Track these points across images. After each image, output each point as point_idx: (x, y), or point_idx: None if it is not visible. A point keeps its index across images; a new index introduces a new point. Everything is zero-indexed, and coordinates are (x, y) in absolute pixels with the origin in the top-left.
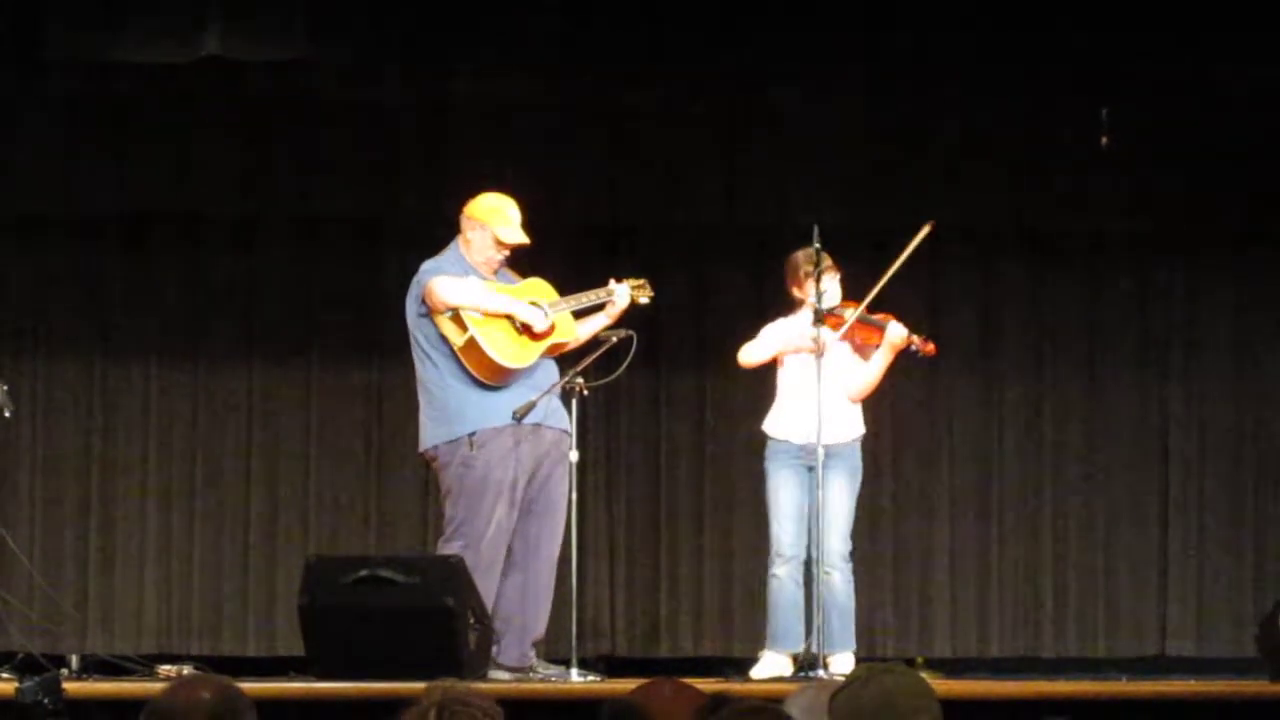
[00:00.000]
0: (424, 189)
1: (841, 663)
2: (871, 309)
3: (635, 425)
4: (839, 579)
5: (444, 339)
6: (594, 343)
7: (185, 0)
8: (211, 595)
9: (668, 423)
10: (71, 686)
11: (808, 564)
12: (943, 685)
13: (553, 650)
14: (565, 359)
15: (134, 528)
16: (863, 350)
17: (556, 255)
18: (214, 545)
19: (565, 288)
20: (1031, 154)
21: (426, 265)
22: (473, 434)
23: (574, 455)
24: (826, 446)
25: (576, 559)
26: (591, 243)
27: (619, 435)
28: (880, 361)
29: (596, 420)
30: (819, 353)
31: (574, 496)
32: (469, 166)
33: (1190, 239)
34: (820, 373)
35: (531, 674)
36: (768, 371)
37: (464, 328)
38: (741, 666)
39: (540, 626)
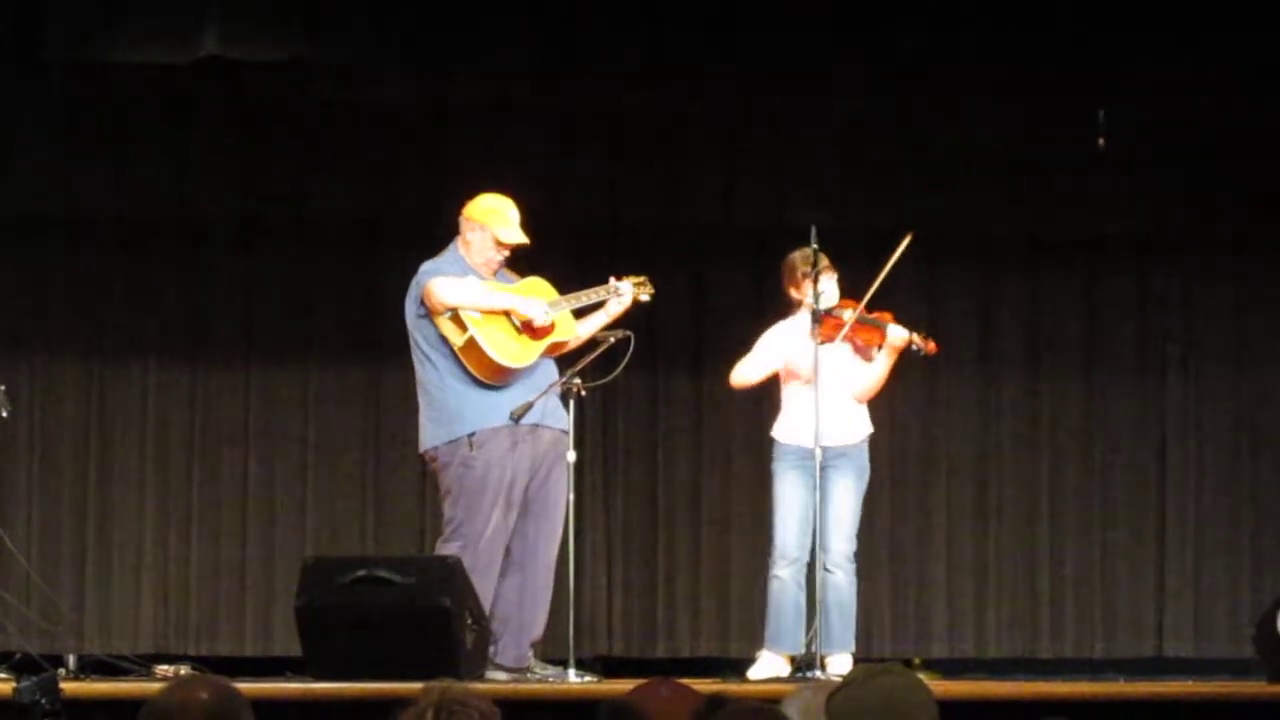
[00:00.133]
0: (423, 189)
1: (839, 663)
2: (869, 308)
3: (633, 426)
4: (843, 579)
5: (443, 339)
6: (591, 343)
7: (184, 1)
8: (209, 595)
9: (665, 423)
10: (69, 686)
11: (809, 566)
12: (940, 686)
13: (550, 650)
14: (563, 360)
15: (131, 528)
16: (864, 351)
17: (555, 255)
18: (211, 545)
19: (564, 288)
20: (1029, 156)
21: (425, 266)
22: (472, 434)
23: (571, 456)
24: (834, 448)
25: (574, 559)
26: (590, 243)
27: (617, 436)
28: (884, 362)
29: (594, 421)
30: (811, 378)
31: (571, 497)
32: (468, 167)
33: (1188, 240)
34: (819, 378)
35: (529, 674)
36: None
37: (463, 328)
38: (738, 667)
39: (538, 627)
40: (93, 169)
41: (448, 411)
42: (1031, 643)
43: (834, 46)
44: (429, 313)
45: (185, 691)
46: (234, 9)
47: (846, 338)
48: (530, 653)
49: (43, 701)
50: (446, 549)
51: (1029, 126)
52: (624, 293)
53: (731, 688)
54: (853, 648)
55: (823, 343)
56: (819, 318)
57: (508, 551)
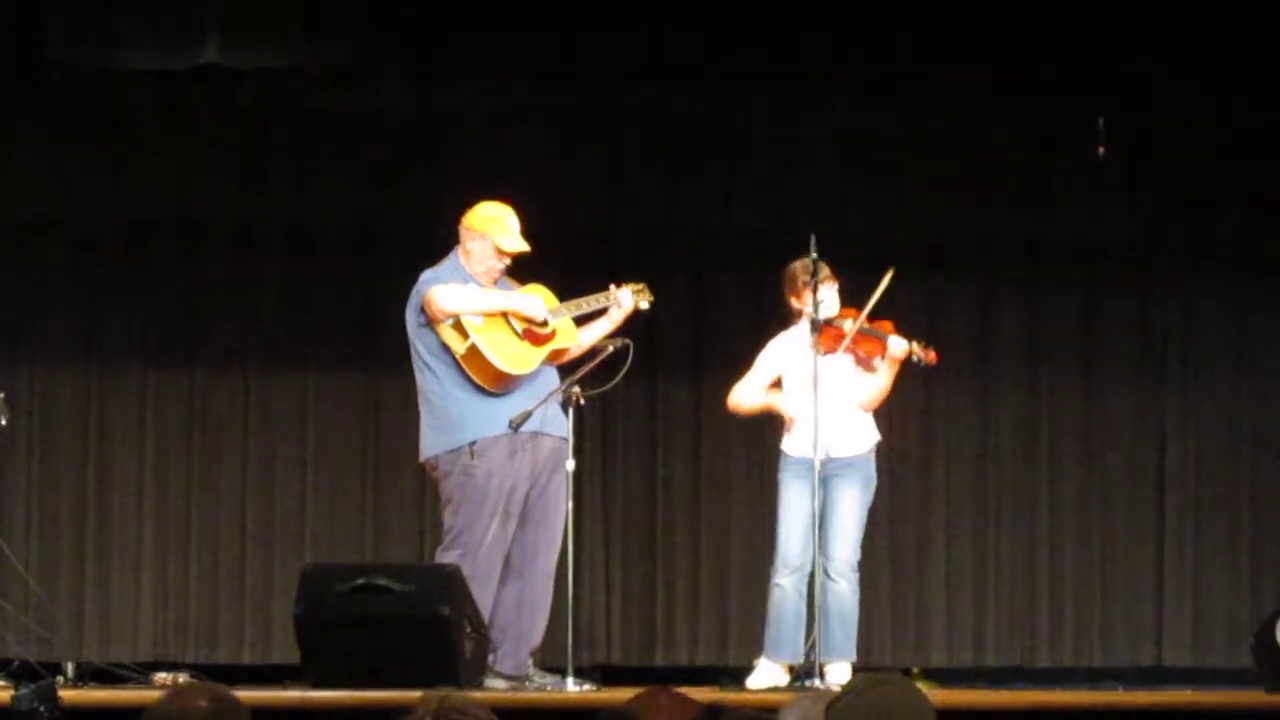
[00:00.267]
0: (421, 196)
1: (838, 672)
2: (870, 318)
3: (632, 434)
4: (846, 588)
5: (445, 348)
6: (591, 351)
7: (183, 8)
8: (207, 603)
9: (664, 431)
10: (67, 694)
11: (811, 576)
12: (939, 695)
13: (548, 659)
14: (563, 368)
15: (130, 536)
16: (866, 362)
17: (554, 262)
18: (210, 553)
19: (564, 294)
20: (1029, 163)
21: (425, 275)
22: (474, 443)
23: (570, 464)
24: (840, 458)
25: (573, 568)
26: (589, 249)
27: (616, 444)
28: (886, 374)
29: (594, 429)
30: (791, 419)
31: (571, 505)
32: (467, 173)
33: (1187, 249)
34: (823, 389)
35: (528, 683)
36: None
37: (465, 335)
38: (737, 676)
39: (537, 635)
40: (92, 174)
41: (449, 420)
42: (1030, 652)
43: (834, 53)
44: (430, 321)
45: (184, 699)
46: (232, 17)
47: (848, 349)
48: (529, 661)
49: (41, 709)
50: (446, 557)
51: (1029, 134)
52: (624, 300)
53: (729, 696)
54: (853, 657)
55: (824, 354)
56: (818, 327)
57: (507, 560)
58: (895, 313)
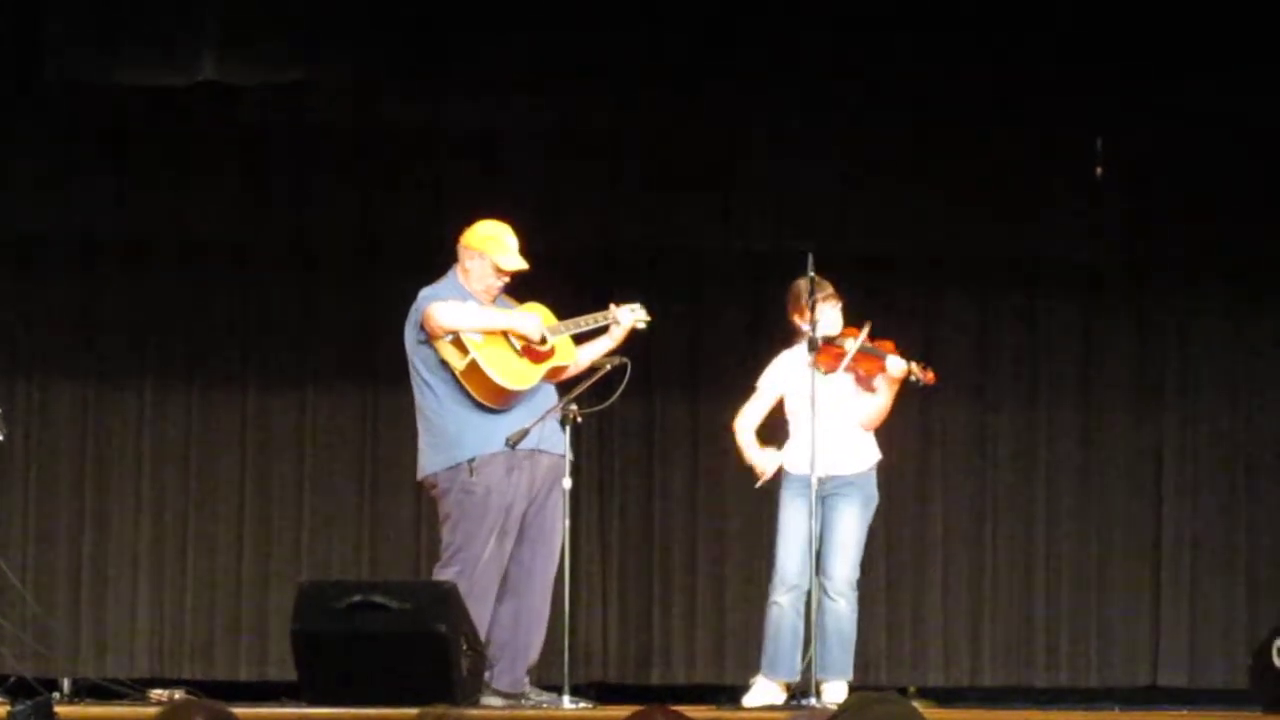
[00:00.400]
0: (421, 211)
1: (835, 691)
2: (871, 338)
3: (629, 452)
4: (844, 606)
5: (444, 364)
6: (588, 369)
7: (183, 24)
8: (204, 620)
9: (661, 449)
10: (63, 710)
11: (808, 594)
12: (936, 715)
13: (545, 676)
14: (560, 386)
15: (127, 552)
16: (866, 381)
17: (552, 279)
18: (207, 569)
19: (561, 312)
20: (1027, 183)
21: (425, 292)
22: (472, 460)
23: (567, 483)
24: (841, 477)
25: (569, 586)
26: (587, 267)
27: (613, 462)
28: (885, 394)
29: (590, 447)
30: (766, 480)
31: (567, 523)
32: (466, 188)
33: (1185, 268)
34: (823, 407)
35: (524, 700)
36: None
37: (465, 351)
38: (733, 694)
39: (534, 652)
40: (91, 190)
41: (447, 437)
42: (1027, 672)
43: (833, 70)
44: (429, 337)
45: (180, 716)
46: (232, 33)
47: (849, 368)
48: (526, 678)
49: None
50: (444, 574)
51: (1027, 155)
52: (622, 319)
53: (725, 715)
54: (850, 675)
55: (825, 373)
56: (816, 346)
57: (504, 577)
58: (893, 329)
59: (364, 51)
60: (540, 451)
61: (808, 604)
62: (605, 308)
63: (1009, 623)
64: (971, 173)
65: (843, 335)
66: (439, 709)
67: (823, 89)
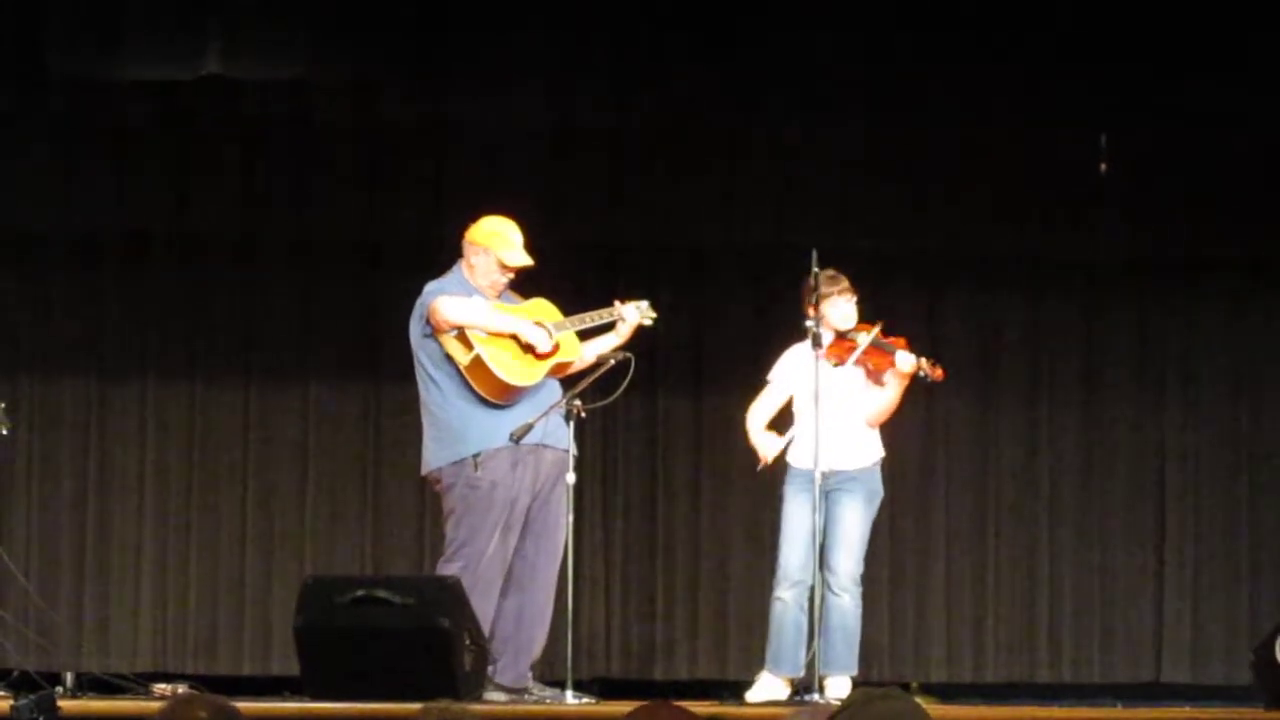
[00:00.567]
0: (423, 208)
1: (838, 686)
2: (884, 334)
3: (632, 447)
4: (849, 601)
5: (448, 358)
6: (592, 364)
7: (186, 19)
8: (207, 614)
9: (665, 445)
10: (67, 705)
11: (812, 589)
12: (938, 710)
13: (548, 672)
14: (564, 381)
15: (130, 546)
16: (875, 375)
17: (555, 276)
18: (210, 564)
19: (565, 309)
20: (1031, 179)
21: (430, 286)
22: (477, 454)
23: (571, 478)
24: (845, 471)
25: (573, 581)
26: (590, 264)
27: (616, 457)
28: (894, 389)
29: (594, 442)
30: (767, 464)
31: (571, 518)
32: (468, 186)
33: (1188, 265)
34: (829, 401)
35: (527, 695)
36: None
37: (469, 346)
38: (737, 690)
39: (537, 648)
40: (94, 185)
41: (452, 432)
42: (1030, 667)
43: (835, 68)
44: (434, 331)
45: (184, 710)
46: (235, 28)
47: (858, 361)
48: (529, 673)
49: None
50: (447, 569)
51: (1031, 150)
52: (628, 316)
53: (728, 710)
54: (854, 671)
55: (836, 364)
56: (819, 341)
57: (508, 572)
58: (895, 326)
59: (366, 47)
60: (544, 446)
61: (811, 599)
62: (610, 305)
63: (1012, 618)
64: (973, 170)
65: (856, 329)
66: (442, 704)
67: (823, 87)
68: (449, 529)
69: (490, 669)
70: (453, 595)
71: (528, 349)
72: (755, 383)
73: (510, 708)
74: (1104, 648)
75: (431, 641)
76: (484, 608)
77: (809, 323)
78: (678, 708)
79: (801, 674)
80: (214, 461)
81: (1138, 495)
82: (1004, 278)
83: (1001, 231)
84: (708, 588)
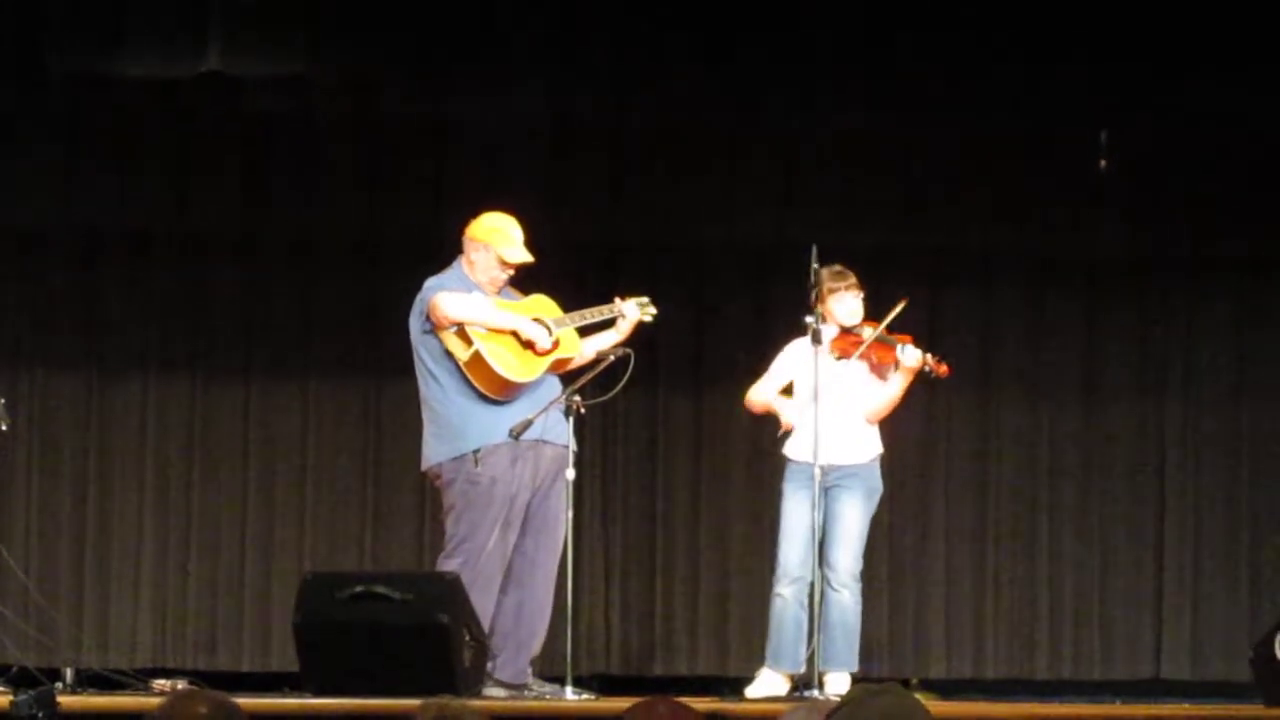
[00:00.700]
0: (423, 204)
1: (838, 682)
2: (890, 330)
3: (632, 443)
4: (848, 598)
5: (448, 354)
6: (592, 360)
7: (186, 16)
8: (207, 610)
9: (664, 441)
10: (66, 700)
11: (811, 586)
12: (938, 707)
13: (547, 668)
14: (564, 377)
15: (130, 542)
16: (879, 370)
17: (555, 274)
18: (210, 560)
19: (564, 306)
20: (1031, 177)
21: (430, 282)
22: (477, 450)
23: (570, 473)
24: (844, 467)
25: (572, 576)
26: (590, 262)
27: (616, 453)
28: (898, 384)
29: (593, 438)
30: (788, 428)
31: (570, 515)
32: (468, 184)
33: (1189, 263)
34: (823, 396)
35: (526, 691)
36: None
37: (469, 342)
38: (736, 686)
39: (536, 643)
40: (94, 182)
41: (452, 428)
42: (1029, 664)
43: (835, 65)
44: (434, 327)
45: (184, 706)
46: (236, 25)
47: (863, 355)
48: (528, 669)
49: (40, 715)
50: (448, 565)
51: (1031, 148)
52: (628, 313)
53: (728, 706)
54: (854, 667)
55: (839, 357)
56: (818, 338)
57: (508, 568)
58: (897, 323)
59: (367, 43)
60: (544, 442)
61: (811, 595)
62: (610, 302)
63: (1011, 615)
64: (974, 168)
65: (862, 324)
66: (441, 700)
67: (823, 86)
68: (449, 525)
69: (490, 665)
70: (452, 591)
71: (527, 345)
72: (755, 379)
73: (510, 704)
74: (1103, 644)
75: (431, 637)
76: (484, 604)
77: (809, 319)
78: (676, 703)
79: (801, 670)
80: (214, 458)
81: (1138, 493)
82: (1004, 276)
83: (1001, 230)
84: (707, 584)
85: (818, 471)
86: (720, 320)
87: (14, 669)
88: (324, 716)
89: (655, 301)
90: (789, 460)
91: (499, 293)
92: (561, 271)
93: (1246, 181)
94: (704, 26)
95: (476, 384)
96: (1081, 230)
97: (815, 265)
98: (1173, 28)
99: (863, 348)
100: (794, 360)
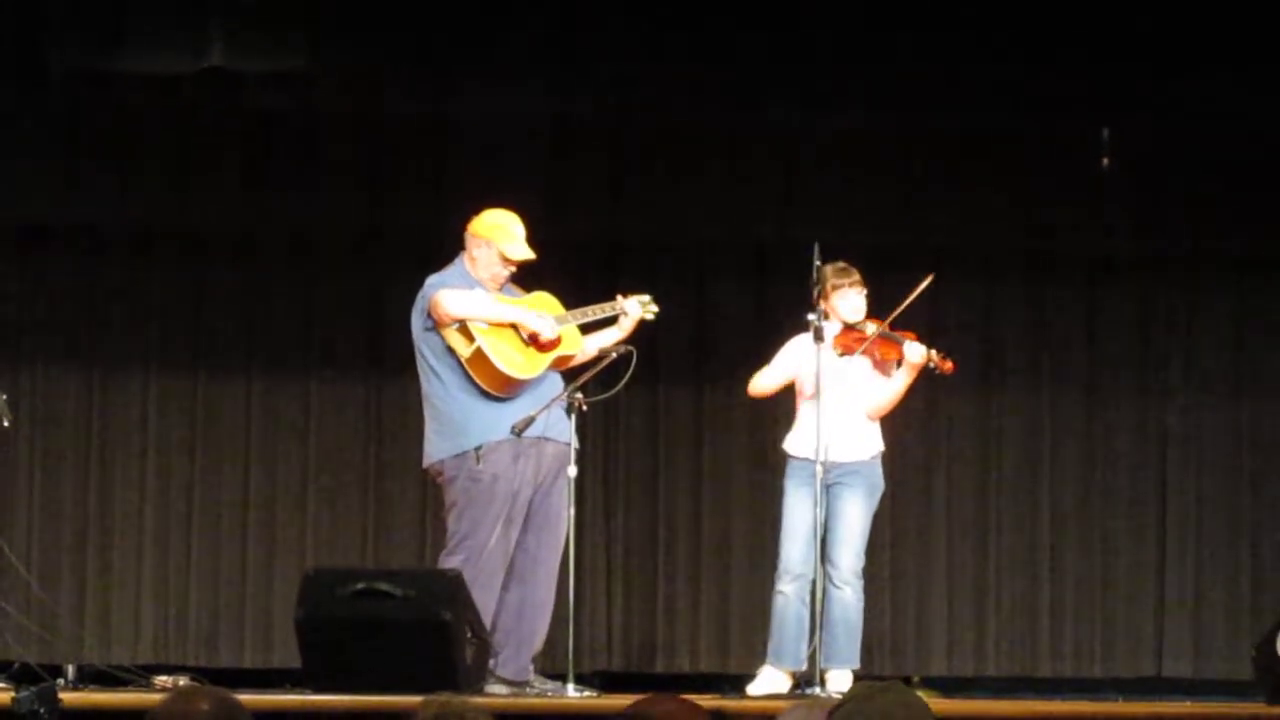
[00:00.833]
0: (424, 202)
1: (839, 680)
2: (893, 327)
3: (633, 440)
4: (850, 595)
5: (450, 351)
6: (594, 357)
7: (187, 12)
8: (209, 606)
9: (666, 438)
10: (67, 696)
11: (813, 583)
12: (940, 704)
13: (549, 665)
14: (565, 374)
15: (132, 538)
16: (882, 366)
17: (556, 272)
18: (212, 556)
19: (566, 302)
20: (1033, 174)
21: (431, 279)
22: (479, 447)
23: (572, 471)
24: (845, 464)
25: (574, 574)
26: (591, 260)
27: (617, 450)
28: (901, 380)
29: (595, 435)
30: (815, 394)
31: (572, 512)
32: (469, 179)
33: (1190, 260)
34: (825, 393)
35: (528, 688)
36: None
37: (470, 338)
38: (737, 683)
39: (538, 640)
40: (95, 178)
41: (454, 425)
42: (1031, 662)
43: (835, 65)
44: (436, 324)
45: (186, 702)
46: (237, 21)
47: (866, 352)
48: (530, 666)
49: (41, 711)
50: (449, 562)
51: (1033, 145)
52: (630, 310)
53: (730, 704)
54: (856, 664)
55: (842, 354)
56: (820, 335)
57: (510, 565)
58: (898, 320)
59: (368, 40)
60: (546, 439)
61: (813, 593)
62: (612, 299)
63: (1013, 613)
64: (975, 165)
65: (865, 321)
66: (443, 697)
67: (823, 85)
68: (450, 521)
69: (491, 662)
70: (454, 588)
71: (530, 341)
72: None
73: (512, 701)
74: (1105, 642)
75: (433, 634)
76: (485, 600)
77: (811, 316)
78: (687, 701)
79: (803, 667)
80: (216, 453)
81: (1139, 489)
82: (1006, 271)
83: (1003, 226)
84: (709, 582)
85: (819, 469)
86: (721, 318)
87: (16, 665)
88: (326, 713)
89: (656, 300)
90: (791, 457)
91: (501, 290)
92: (562, 270)
93: (1247, 180)
94: (704, 26)
95: (478, 381)
96: (1082, 227)
97: (818, 262)
98: (1173, 27)
99: (866, 344)
100: (797, 356)
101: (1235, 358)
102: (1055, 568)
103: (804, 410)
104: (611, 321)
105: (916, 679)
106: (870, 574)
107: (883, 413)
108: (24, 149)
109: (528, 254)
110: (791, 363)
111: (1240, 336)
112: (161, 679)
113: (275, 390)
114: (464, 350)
